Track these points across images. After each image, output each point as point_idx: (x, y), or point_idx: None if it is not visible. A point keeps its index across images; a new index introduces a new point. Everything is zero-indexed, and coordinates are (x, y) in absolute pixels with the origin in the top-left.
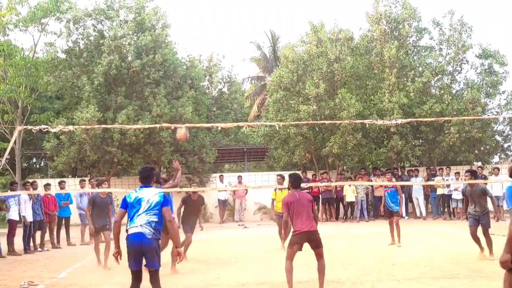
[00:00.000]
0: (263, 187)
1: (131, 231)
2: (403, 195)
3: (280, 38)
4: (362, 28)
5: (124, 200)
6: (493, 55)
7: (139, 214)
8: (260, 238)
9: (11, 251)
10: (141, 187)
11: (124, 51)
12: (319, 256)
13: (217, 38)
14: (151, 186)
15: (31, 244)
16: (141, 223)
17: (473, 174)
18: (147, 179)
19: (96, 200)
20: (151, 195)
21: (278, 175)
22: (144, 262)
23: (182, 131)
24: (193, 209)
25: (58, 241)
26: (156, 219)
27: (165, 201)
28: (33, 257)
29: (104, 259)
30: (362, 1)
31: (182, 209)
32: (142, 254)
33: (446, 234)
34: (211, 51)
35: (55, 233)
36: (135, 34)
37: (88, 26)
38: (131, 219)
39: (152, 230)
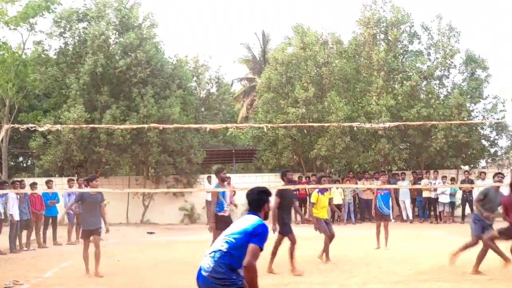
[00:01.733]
0: (308, 186)
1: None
2: (394, 198)
3: (270, 39)
4: (354, 31)
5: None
6: (475, 60)
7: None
8: None
9: None
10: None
11: (110, 49)
12: None
13: (207, 39)
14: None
15: (17, 243)
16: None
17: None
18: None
19: (84, 197)
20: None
21: (317, 177)
22: None
23: None
24: (288, 203)
25: (45, 241)
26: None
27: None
28: (18, 256)
29: (95, 266)
30: (353, 4)
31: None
32: None
33: (432, 237)
34: (197, 51)
35: (41, 232)
36: (120, 33)
37: (74, 25)
38: None
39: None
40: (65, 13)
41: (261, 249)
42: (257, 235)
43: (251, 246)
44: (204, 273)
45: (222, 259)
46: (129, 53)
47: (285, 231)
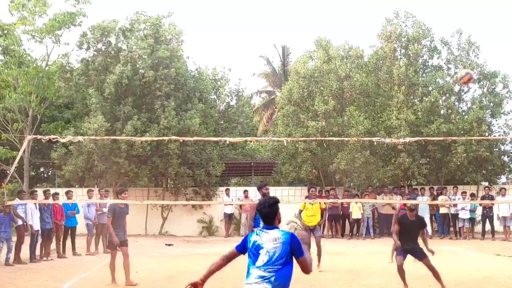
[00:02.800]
0: (324, 201)
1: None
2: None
3: (290, 52)
4: (374, 45)
5: (245, 240)
6: (496, 75)
7: (256, 267)
8: None
9: (17, 259)
10: (263, 228)
11: (139, 62)
12: None
13: (226, 51)
14: (277, 228)
15: (37, 253)
16: (256, 281)
17: None
18: (267, 219)
19: (116, 210)
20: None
21: (309, 188)
22: None
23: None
24: (411, 232)
25: (64, 251)
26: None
27: (295, 247)
28: (38, 266)
29: (125, 276)
30: (374, 18)
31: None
32: None
33: (452, 253)
34: (217, 64)
35: (61, 242)
36: (150, 47)
37: (109, 39)
38: (247, 271)
39: None
40: (102, 26)
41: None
42: (298, 247)
43: (302, 260)
44: None
45: None
46: (159, 68)
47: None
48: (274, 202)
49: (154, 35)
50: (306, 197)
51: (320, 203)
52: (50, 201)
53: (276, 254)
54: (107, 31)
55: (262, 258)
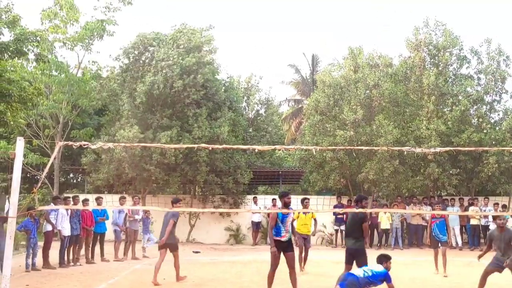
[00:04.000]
0: (296, 210)
1: None
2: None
3: (320, 61)
4: (402, 54)
5: None
6: None
7: None
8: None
9: (46, 264)
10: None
11: (170, 72)
12: None
13: (256, 59)
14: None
15: (66, 258)
16: None
17: None
18: None
19: (178, 217)
20: None
21: (302, 199)
22: None
23: None
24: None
25: (93, 256)
26: None
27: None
28: (67, 271)
29: (176, 274)
30: (403, 27)
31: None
32: None
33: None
34: (250, 72)
35: (90, 248)
36: (180, 55)
37: (146, 48)
38: None
39: None
40: (143, 35)
41: None
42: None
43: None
44: None
45: None
46: (187, 75)
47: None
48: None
49: (186, 43)
50: (335, 206)
51: (312, 213)
52: (80, 206)
53: None
54: (148, 41)
55: None
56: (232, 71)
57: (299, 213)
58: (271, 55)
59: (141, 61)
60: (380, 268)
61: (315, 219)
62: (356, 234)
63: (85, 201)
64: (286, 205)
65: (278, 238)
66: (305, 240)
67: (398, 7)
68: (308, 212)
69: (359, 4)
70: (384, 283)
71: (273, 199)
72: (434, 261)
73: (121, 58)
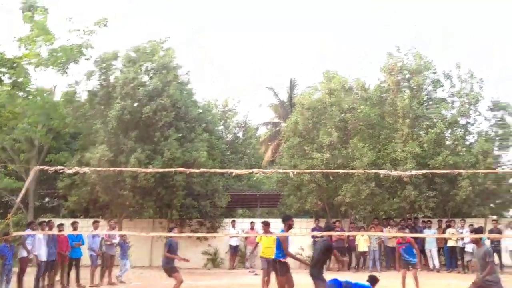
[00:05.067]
0: (275, 234)
1: None
2: (416, 247)
3: (297, 84)
4: (378, 79)
5: None
6: (504, 107)
7: None
8: (272, 284)
9: None
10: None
11: (137, 95)
12: None
13: (234, 82)
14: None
15: (41, 284)
16: None
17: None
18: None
19: (172, 244)
20: None
21: (262, 222)
22: None
23: None
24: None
25: (68, 282)
26: None
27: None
28: None
29: None
30: (403, 27)
31: None
32: None
33: (459, 287)
34: (227, 96)
35: (65, 274)
36: (148, 77)
37: (109, 69)
38: None
39: None
40: (106, 56)
41: None
42: None
43: None
44: None
45: None
46: (155, 98)
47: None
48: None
49: (150, 64)
50: (313, 229)
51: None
52: (56, 231)
53: None
54: (107, 63)
55: None
56: (209, 94)
57: (260, 237)
58: (247, 78)
59: (106, 85)
60: (367, 284)
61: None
62: (314, 261)
63: (61, 226)
64: (290, 228)
65: (284, 260)
66: (269, 264)
67: (398, 7)
68: (272, 234)
69: (359, 4)
70: None
71: (251, 222)
72: (401, 283)
73: (86, 82)
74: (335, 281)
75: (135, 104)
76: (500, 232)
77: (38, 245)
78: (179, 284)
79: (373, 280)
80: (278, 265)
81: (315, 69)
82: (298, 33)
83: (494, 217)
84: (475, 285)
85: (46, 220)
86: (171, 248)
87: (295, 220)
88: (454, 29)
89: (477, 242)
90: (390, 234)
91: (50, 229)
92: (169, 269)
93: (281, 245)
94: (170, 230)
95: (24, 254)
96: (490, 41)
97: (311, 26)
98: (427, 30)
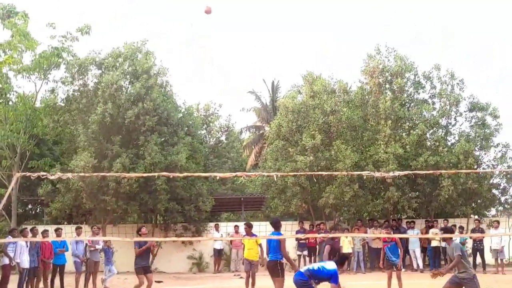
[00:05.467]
0: (260, 237)
1: None
2: (401, 248)
3: (280, 87)
4: (360, 80)
5: None
6: (484, 108)
7: None
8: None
9: None
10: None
11: (119, 99)
12: None
13: (216, 86)
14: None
15: None
16: None
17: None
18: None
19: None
20: None
21: (244, 224)
22: None
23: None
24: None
25: None
26: None
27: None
28: None
29: None
30: (403, 27)
31: None
32: None
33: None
34: (209, 100)
35: (49, 280)
36: (131, 82)
37: (88, 73)
38: None
39: None
40: (79, 61)
41: None
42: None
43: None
44: None
45: None
46: (137, 103)
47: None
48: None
49: (130, 68)
50: (297, 232)
51: (256, 239)
52: (40, 238)
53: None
54: (84, 67)
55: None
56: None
57: (244, 235)
58: (229, 82)
59: (84, 89)
60: (331, 266)
61: (260, 245)
62: None
63: (45, 233)
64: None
65: (282, 261)
66: (252, 266)
67: (398, 7)
68: (254, 236)
69: (359, 4)
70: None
71: (236, 226)
72: (387, 284)
73: (63, 88)
74: (299, 273)
75: (117, 108)
76: (482, 231)
77: (20, 252)
78: (139, 286)
79: (343, 258)
80: (279, 266)
81: (338, 46)
82: (298, 33)
83: (476, 216)
84: (449, 283)
85: (30, 227)
86: (139, 246)
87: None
88: (454, 29)
89: (448, 240)
90: (375, 235)
91: (34, 236)
92: (137, 269)
93: (279, 246)
94: (138, 230)
95: (6, 261)
96: (490, 41)
97: (311, 26)
98: (427, 30)
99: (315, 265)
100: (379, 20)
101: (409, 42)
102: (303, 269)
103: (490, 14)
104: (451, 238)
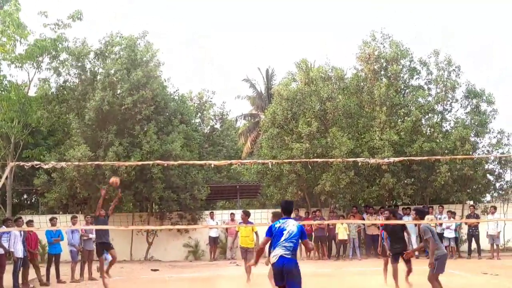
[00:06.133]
0: (256, 225)
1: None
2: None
3: (275, 75)
4: (355, 67)
5: (270, 229)
6: (479, 95)
7: (282, 241)
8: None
9: None
10: (283, 218)
11: (118, 87)
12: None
13: (211, 75)
14: (291, 218)
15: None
16: (283, 250)
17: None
18: (288, 211)
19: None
20: (291, 226)
21: (242, 211)
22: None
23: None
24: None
25: (48, 279)
26: (293, 245)
27: (303, 233)
28: None
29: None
30: (403, 27)
31: None
32: (284, 274)
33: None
34: (202, 88)
35: (45, 270)
36: (126, 70)
37: (84, 64)
38: (274, 246)
39: (291, 253)
40: (75, 50)
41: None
42: (304, 232)
43: (306, 241)
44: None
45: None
46: (136, 91)
47: None
48: (292, 202)
49: (130, 57)
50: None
51: (252, 226)
52: (33, 228)
53: (293, 233)
54: (82, 56)
55: (285, 235)
56: (183, 85)
57: (240, 223)
58: (224, 70)
59: (80, 78)
60: (294, 224)
61: (256, 233)
62: None
63: (30, 223)
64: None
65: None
66: (248, 253)
67: (398, 7)
68: (250, 223)
69: (359, 4)
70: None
71: (232, 214)
72: (383, 271)
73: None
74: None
75: (115, 96)
76: (477, 217)
77: (14, 241)
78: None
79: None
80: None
81: (338, 46)
82: (298, 33)
83: (471, 202)
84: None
85: (18, 217)
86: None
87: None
88: (454, 29)
89: (418, 223)
90: (370, 222)
91: (19, 226)
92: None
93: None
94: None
95: (1, 251)
96: (490, 41)
97: (311, 26)
98: (427, 30)
99: (286, 238)
100: (379, 20)
101: (409, 42)
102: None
103: (490, 14)
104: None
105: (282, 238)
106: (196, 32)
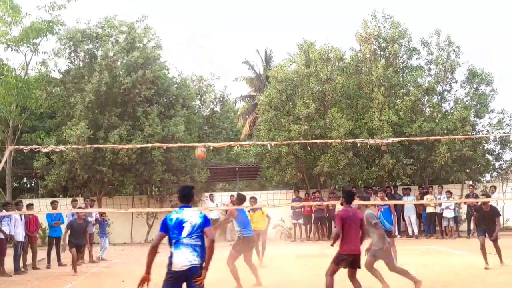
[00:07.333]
0: (255, 206)
1: (175, 257)
2: (395, 213)
3: (273, 56)
4: (353, 48)
5: (164, 222)
6: (479, 75)
7: (183, 238)
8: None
9: (2, 272)
10: (181, 207)
11: (115, 69)
12: (353, 275)
13: (210, 56)
14: (191, 206)
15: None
16: (186, 249)
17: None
18: (187, 198)
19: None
20: (193, 216)
21: (250, 198)
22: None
23: (198, 151)
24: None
25: (49, 261)
26: (200, 243)
27: (206, 221)
28: (24, 278)
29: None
30: (353, 21)
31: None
32: (185, 279)
33: (437, 252)
34: (203, 71)
35: (44, 253)
36: (125, 52)
37: (82, 45)
38: (175, 243)
39: (197, 256)
40: (72, 33)
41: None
42: (206, 220)
43: (208, 229)
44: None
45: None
46: (134, 72)
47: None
48: (192, 187)
49: (128, 39)
50: (293, 200)
51: (262, 211)
52: (34, 212)
53: (197, 225)
54: (78, 38)
55: (187, 229)
56: (185, 69)
57: (249, 211)
58: (223, 51)
59: (78, 59)
60: (197, 215)
61: (267, 216)
62: None
63: (29, 206)
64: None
65: None
66: (261, 235)
67: (398, 7)
68: (258, 209)
69: (359, 4)
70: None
71: (231, 196)
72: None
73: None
74: None
75: (113, 78)
76: (477, 196)
77: (15, 225)
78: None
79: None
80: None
81: (291, 40)
82: (298, 33)
83: (471, 182)
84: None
85: (19, 200)
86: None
87: (274, 192)
88: (454, 29)
89: (360, 207)
90: (369, 202)
91: (19, 210)
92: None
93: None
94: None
95: (1, 236)
96: (490, 41)
97: (311, 26)
98: (427, 30)
99: (189, 232)
100: (359, 20)
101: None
102: None
103: (490, 14)
104: (362, 205)
105: (184, 233)
106: (196, 32)
